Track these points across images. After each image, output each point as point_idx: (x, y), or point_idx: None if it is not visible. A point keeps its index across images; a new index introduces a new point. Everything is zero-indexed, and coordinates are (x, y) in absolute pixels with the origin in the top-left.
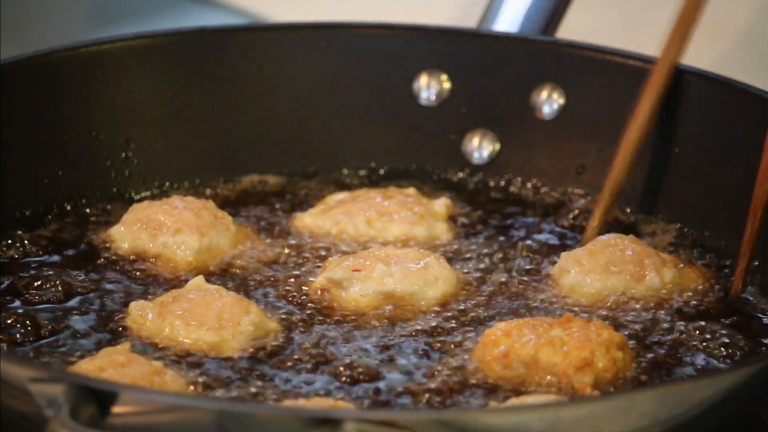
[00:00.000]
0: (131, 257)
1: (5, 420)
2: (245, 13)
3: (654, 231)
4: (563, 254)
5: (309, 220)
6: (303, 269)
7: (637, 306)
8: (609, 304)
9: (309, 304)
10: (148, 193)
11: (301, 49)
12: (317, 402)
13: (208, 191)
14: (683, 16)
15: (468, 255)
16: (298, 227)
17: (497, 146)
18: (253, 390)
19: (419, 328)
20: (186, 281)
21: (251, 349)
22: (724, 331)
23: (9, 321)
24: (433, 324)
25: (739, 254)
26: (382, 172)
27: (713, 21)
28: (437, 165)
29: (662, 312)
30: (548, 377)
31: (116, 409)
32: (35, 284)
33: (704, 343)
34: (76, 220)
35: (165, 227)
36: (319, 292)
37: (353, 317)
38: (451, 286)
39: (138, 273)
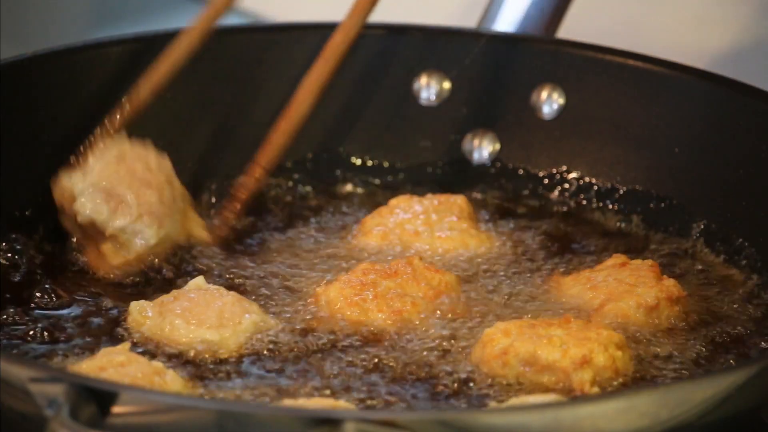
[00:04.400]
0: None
1: (5, 420)
2: (245, 13)
3: (651, 231)
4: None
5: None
6: (304, 270)
7: None
8: None
9: (311, 305)
10: None
11: (301, 49)
12: (317, 402)
13: (207, 190)
14: None
15: (469, 255)
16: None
17: (497, 146)
18: (253, 390)
19: (423, 331)
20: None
21: (252, 348)
22: None
23: (9, 320)
24: (435, 326)
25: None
26: (381, 172)
27: (713, 21)
28: (437, 165)
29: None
30: (547, 375)
31: (116, 409)
32: (35, 284)
33: None
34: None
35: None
36: None
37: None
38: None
39: (137, 272)
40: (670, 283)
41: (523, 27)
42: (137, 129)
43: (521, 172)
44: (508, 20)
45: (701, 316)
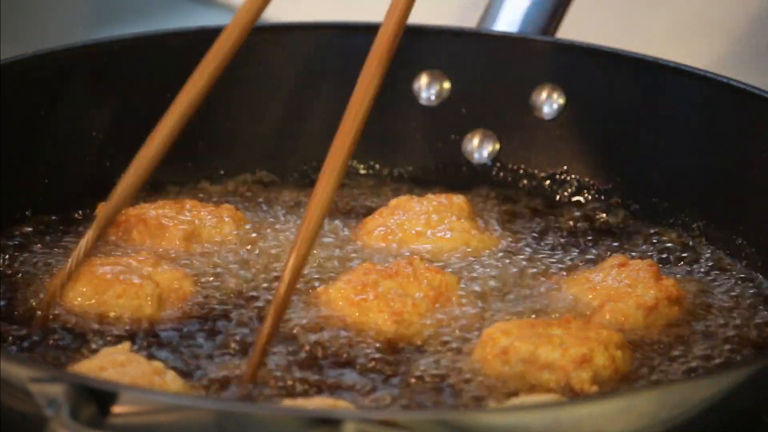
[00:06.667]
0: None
1: (5, 420)
2: None
3: (651, 231)
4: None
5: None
6: (304, 271)
7: None
8: None
9: (312, 305)
10: (147, 193)
11: (301, 49)
12: (317, 402)
13: (206, 190)
14: None
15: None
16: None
17: (497, 146)
18: (252, 390)
19: (423, 331)
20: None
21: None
22: None
23: (11, 319)
24: (435, 326)
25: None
26: (381, 172)
27: (713, 21)
28: (437, 165)
29: None
30: (547, 374)
31: (116, 409)
32: (35, 284)
33: None
34: (76, 221)
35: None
36: None
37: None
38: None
39: None
40: (669, 283)
41: (523, 27)
42: (137, 130)
43: (521, 172)
44: (508, 20)
45: (700, 316)
